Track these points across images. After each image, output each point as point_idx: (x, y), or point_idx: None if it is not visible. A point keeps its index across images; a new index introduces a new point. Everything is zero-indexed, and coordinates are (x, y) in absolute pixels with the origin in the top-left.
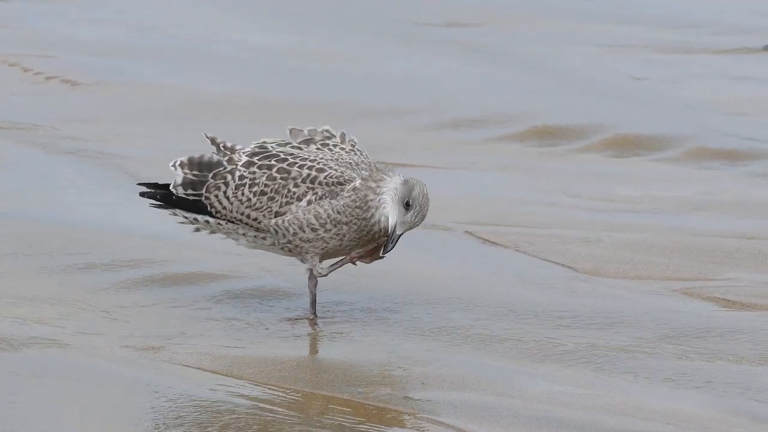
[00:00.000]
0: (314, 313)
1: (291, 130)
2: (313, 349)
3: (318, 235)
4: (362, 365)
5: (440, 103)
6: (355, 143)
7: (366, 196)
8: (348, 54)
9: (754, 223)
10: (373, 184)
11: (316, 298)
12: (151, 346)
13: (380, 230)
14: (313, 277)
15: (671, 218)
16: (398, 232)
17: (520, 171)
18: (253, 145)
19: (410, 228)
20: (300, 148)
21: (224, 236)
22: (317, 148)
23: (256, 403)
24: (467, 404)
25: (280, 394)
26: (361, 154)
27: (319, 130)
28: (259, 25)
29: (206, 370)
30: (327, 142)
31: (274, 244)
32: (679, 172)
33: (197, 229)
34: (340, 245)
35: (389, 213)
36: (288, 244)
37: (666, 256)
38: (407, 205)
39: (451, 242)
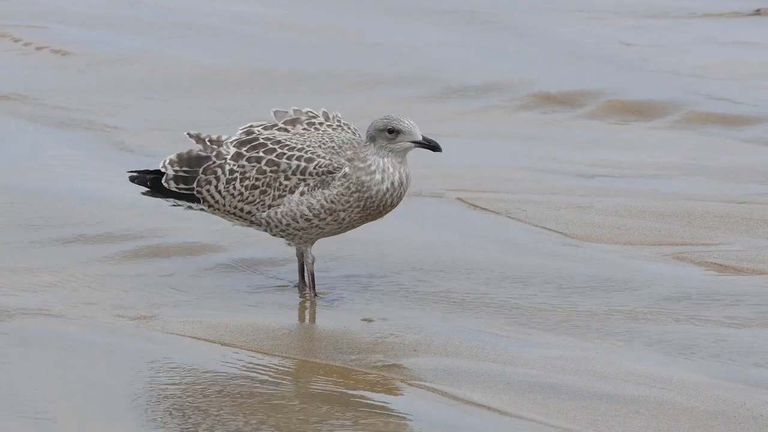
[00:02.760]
0: (314, 290)
1: (275, 113)
2: (306, 317)
3: (312, 224)
4: (355, 332)
5: (432, 72)
6: (340, 118)
7: (359, 178)
8: (339, 24)
9: (745, 187)
10: (361, 164)
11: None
12: (143, 315)
13: (386, 198)
14: (307, 258)
15: (663, 183)
16: (420, 139)
17: (511, 138)
18: (240, 132)
19: (415, 127)
20: (287, 130)
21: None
22: (304, 129)
23: (249, 370)
24: (460, 371)
25: (273, 361)
26: (348, 129)
27: (304, 111)
28: None
29: (199, 339)
30: (313, 121)
31: (266, 230)
32: (669, 137)
33: (190, 208)
34: (339, 228)
35: (396, 161)
36: (281, 232)
37: (658, 221)
38: (391, 132)
39: (444, 209)
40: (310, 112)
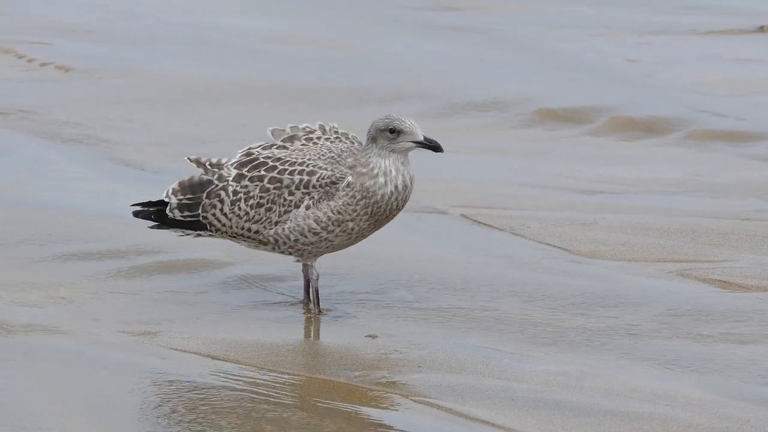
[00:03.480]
0: (319, 307)
1: (273, 131)
2: (310, 334)
3: (320, 237)
4: (359, 349)
5: (436, 87)
6: (337, 129)
7: (363, 184)
8: (342, 39)
9: (749, 204)
10: (364, 169)
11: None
12: (147, 331)
13: (392, 202)
14: (312, 274)
15: (667, 200)
16: (422, 140)
17: (515, 154)
18: (239, 154)
19: (417, 127)
20: (285, 148)
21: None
22: (302, 144)
23: (253, 386)
24: (464, 387)
25: (277, 378)
26: (346, 138)
27: (301, 126)
28: (250, 11)
29: (203, 355)
30: (311, 136)
31: (274, 249)
32: (673, 153)
33: (199, 236)
34: (348, 239)
35: (398, 162)
36: (289, 249)
37: (662, 238)
38: (392, 132)
39: (448, 225)
40: (307, 127)
